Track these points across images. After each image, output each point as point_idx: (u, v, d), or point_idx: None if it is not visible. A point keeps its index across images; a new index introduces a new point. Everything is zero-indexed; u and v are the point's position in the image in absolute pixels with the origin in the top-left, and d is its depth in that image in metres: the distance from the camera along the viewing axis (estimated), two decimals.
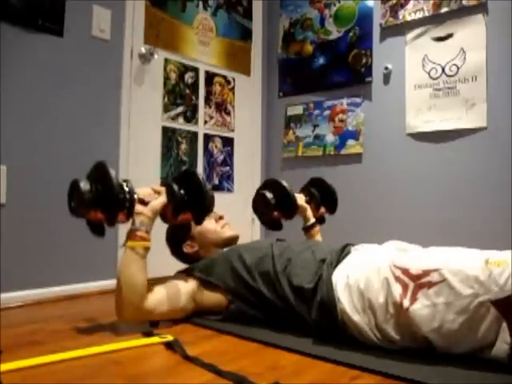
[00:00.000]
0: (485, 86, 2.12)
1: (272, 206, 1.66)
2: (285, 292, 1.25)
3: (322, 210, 1.90)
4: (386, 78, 2.43)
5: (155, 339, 1.17)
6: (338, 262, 1.24)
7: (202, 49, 2.53)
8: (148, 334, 1.21)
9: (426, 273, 1.03)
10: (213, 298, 1.38)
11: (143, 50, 2.19)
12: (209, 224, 1.56)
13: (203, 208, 1.31)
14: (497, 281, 0.94)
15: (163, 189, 1.33)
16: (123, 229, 2.06)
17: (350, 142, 2.51)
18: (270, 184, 1.76)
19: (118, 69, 2.09)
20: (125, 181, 1.27)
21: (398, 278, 1.06)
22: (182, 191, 1.30)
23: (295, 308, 1.22)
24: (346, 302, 1.12)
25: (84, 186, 1.22)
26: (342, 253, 1.28)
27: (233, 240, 1.59)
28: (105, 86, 2.04)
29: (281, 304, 1.26)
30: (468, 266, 1.00)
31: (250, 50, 2.83)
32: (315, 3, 2.71)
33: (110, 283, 2.00)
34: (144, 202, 1.29)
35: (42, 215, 1.80)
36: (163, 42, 2.30)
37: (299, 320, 1.22)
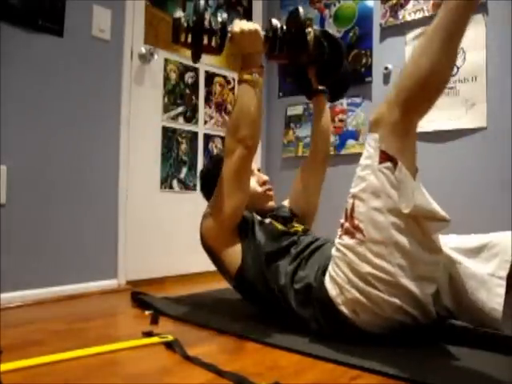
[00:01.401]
0: (485, 86, 2.12)
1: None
2: (289, 295, 1.24)
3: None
4: (386, 78, 2.43)
5: (155, 339, 1.17)
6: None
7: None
8: (148, 334, 1.21)
9: (350, 209, 1.13)
10: (235, 248, 1.36)
11: (143, 49, 2.20)
12: (252, 183, 1.48)
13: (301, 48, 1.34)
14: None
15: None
16: (123, 229, 2.08)
17: (350, 142, 2.51)
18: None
19: (118, 69, 2.09)
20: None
21: (340, 235, 1.15)
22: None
23: (296, 310, 1.22)
24: (331, 287, 1.14)
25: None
26: None
27: (270, 211, 1.53)
28: (105, 86, 2.04)
29: (283, 299, 1.26)
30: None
31: None
32: (315, 3, 2.71)
33: (110, 283, 2.01)
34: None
35: (41, 215, 1.80)
36: (163, 42, 2.30)
37: (300, 319, 1.21)
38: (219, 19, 1.33)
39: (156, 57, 2.22)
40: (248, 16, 2.82)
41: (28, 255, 1.75)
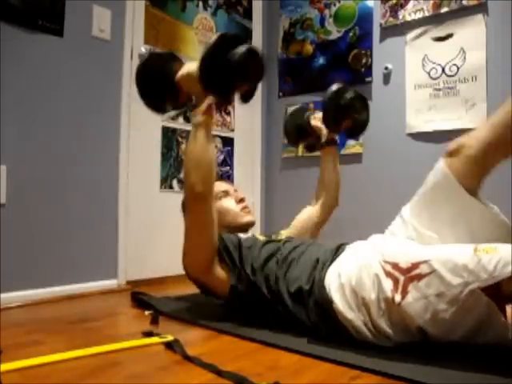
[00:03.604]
0: (485, 86, 2.12)
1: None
2: (283, 298, 1.24)
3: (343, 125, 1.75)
4: (386, 78, 2.43)
5: (155, 339, 1.17)
6: (332, 261, 1.24)
7: (202, 49, 2.52)
8: (148, 334, 1.21)
9: (416, 265, 1.02)
10: (221, 272, 1.35)
11: (143, 49, 2.19)
12: (228, 203, 1.52)
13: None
14: (486, 268, 0.93)
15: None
16: (123, 229, 2.08)
17: (350, 142, 2.51)
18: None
19: (118, 69, 2.09)
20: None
21: (388, 273, 1.06)
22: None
23: (292, 312, 1.22)
24: (340, 301, 1.12)
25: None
26: (337, 252, 1.28)
27: (249, 226, 1.54)
28: (105, 86, 2.04)
29: (279, 306, 1.25)
30: (457, 255, 0.99)
31: None
32: (315, 3, 2.71)
33: (110, 283, 2.01)
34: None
35: (41, 215, 1.80)
36: (163, 42, 2.30)
37: (296, 323, 1.22)
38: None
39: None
40: (248, 16, 2.82)
41: (28, 255, 1.75)
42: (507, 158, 1.17)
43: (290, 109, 1.87)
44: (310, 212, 1.72)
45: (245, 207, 1.56)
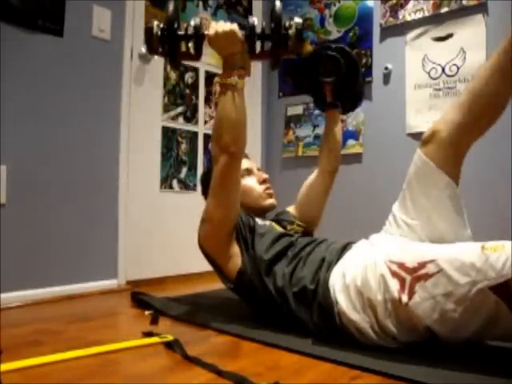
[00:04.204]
0: None
1: None
2: (287, 296, 1.24)
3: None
4: (386, 78, 2.43)
5: (155, 339, 1.17)
6: (337, 260, 1.23)
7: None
8: (148, 334, 1.21)
9: (422, 265, 1.02)
10: (234, 252, 1.33)
11: (143, 50, 2.19)
12: (251, 182, 1.49)
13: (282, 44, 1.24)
14: (494, 266, 0.92)
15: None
16: (123, 229, 2.08)
17: (350, 141, 2.51)
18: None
19: (118, 69, 2.09)
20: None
21: (394, 273, 1.05)
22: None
23: (294, 311, 1.22)
24: (344, 302, 1.11)
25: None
26: (343, 251, 1.27)
27: (269, 209, 1.52)
28: (105, 85, 2.04)
29: (282, 303, 1.25)
30: (464, 254, 0.98)
31: None
32: (315, 3, 2.72)
33: (110, 283, 2.01)
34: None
35: (41, 215, 1.80)
36: None
37: (298, 322, 1.21)
38: (192, 23, 1.28)
39: (156, 57, 2.22)
40: (248, 16, 2.82)
41: (28, 255, 1.75)
42: (479, 137, 1.21)
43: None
44: (311, 185, 1.65)
45: (268, 188, 1.53)
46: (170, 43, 1.27)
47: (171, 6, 1.27)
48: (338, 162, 1.68)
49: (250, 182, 1.49)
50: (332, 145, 1.66)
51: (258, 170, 1.60)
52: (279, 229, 1.42)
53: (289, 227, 1.49)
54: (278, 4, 1.26)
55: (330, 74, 1.59)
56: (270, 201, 1.52)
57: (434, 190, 1.18)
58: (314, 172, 1.68)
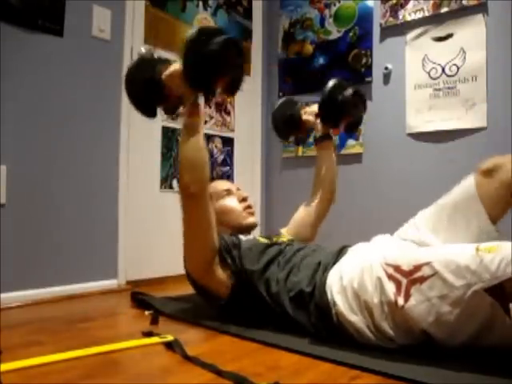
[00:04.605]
0: (485, 86, 2.12)
1: None
2: (284, 303, 1.23)
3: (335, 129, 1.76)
4: (386, 77, 2.43)
5: (155, 339, 1.17)
6: (334, 263, 1.23)
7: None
8: (148, 334, 1.21)
9: (418, 268, 1.01)
10: (222, 273, 1.32)
11: (143, 49, 2.19)
12: (231, 202, 1.49)
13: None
14: (488, 268, 0.92)
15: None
16: (123, 229, 2.08)
17: (350, 142, 2.51)
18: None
19: (118, 69, 2.09)
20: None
21: (390, 276, 1.05)
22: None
23: (292, 316, 1.22)
24: (342, 303, 1.11)
25: None
26: (339, 254, 1.27)
27: (251, 228, 1.52)
28: (105, 85, 2.04)
29: (279, 311, 1.25)
30: (459, 256, 0.98)
31: (249, 49, 2.83)
32: (315, 3, 2.71)
33: (110, 283, 2.01)
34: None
35: (41, 215, 1.80)
36: (163, 42, 2.30)
37: (296, 326, 1.21)
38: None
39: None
40: (248, 16, 2.82)
41: (28, 255, 1.75)
42: None
43: (277, 102, 1.82)
44: (307, 209, 1.68)
45: (248, 207, 1.53)
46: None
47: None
48: (335, 186, 1.72)
49: (230, 203, 1.50)
50: (331, 175, 1.70)
51: (238, 189, 1.59)
52: (265, 240, 1.43)
53: (275, 238, 1.50)
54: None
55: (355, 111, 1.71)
56: (251, 219, 1.53)
57: (468, 228, 1.17)
58: (310, 199, 1.70)
